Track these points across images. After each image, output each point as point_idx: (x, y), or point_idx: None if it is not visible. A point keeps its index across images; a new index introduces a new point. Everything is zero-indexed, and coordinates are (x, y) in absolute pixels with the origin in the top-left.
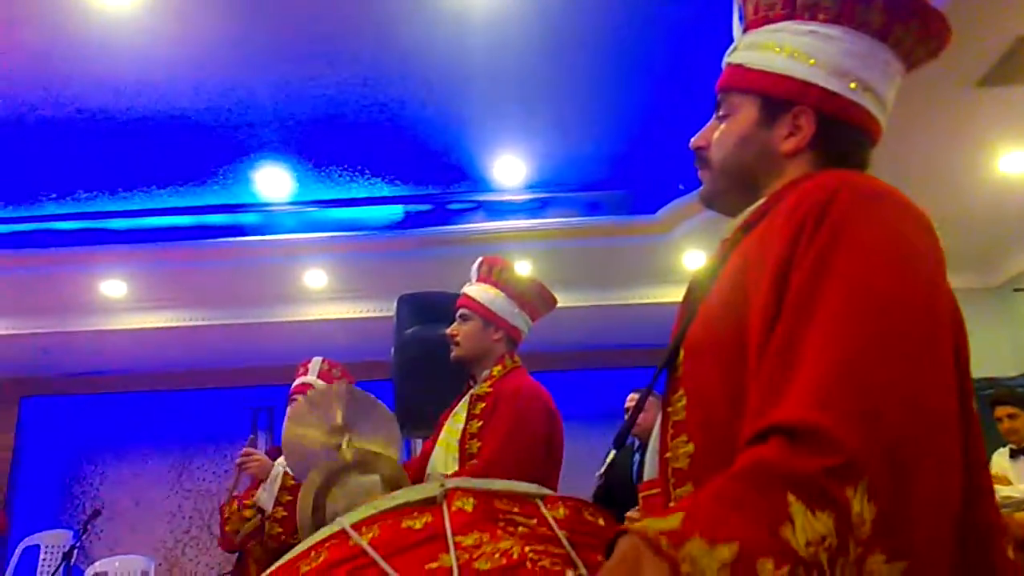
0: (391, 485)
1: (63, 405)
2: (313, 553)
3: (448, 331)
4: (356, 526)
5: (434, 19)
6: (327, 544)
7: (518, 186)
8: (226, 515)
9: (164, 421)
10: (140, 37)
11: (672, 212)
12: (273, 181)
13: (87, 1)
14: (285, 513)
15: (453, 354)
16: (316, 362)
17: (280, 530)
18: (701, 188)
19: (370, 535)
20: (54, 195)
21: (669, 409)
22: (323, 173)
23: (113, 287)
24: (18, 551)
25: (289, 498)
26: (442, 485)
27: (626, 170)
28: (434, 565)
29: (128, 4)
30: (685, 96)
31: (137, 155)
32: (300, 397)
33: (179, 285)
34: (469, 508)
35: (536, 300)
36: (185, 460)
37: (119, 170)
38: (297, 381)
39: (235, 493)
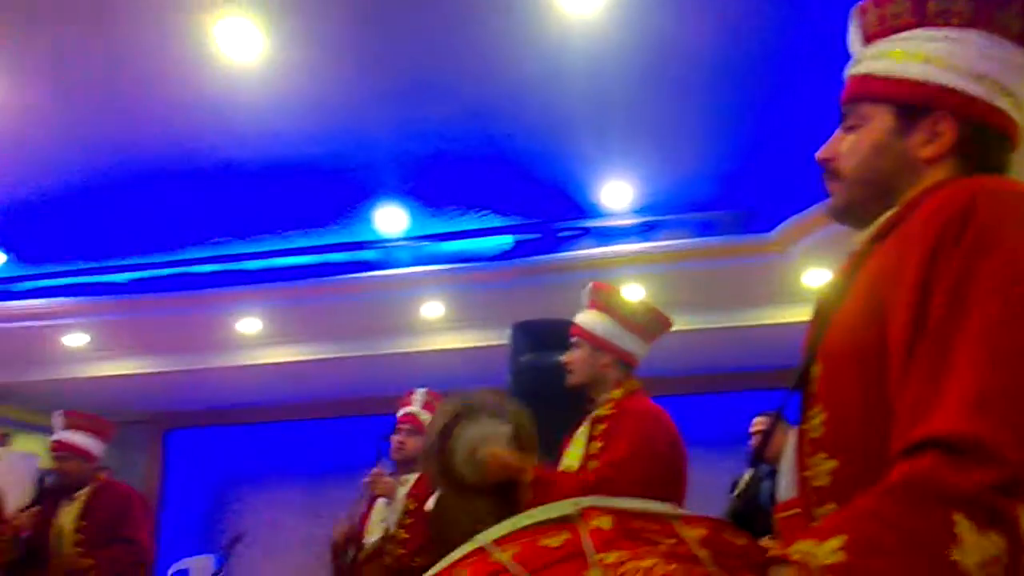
0: (519, 443)
1: (205, 437)
2: (455, 571)
3: (563, 359)
4: (496, 544)
5: (537, 53)
6: (468, 561)
7: (626, 210)
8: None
9: (298, 450)
10: (264, 90)
11: (789, 229)
12: (390, 218)
13: (215, 58)
14: (407, 536)
15: (569, 381)
16: (420, 393)
17: (402, 551)
18: (830, 201)
19: (510, 552)
20: (193, 241)
21: (805, 427)
22: (436, 207)
23: (248, 324)
24: (169, 575)
25: (411, 521)
26: (577, 503)
27: (737, 189)
28: None
29: (254, 60)
30: (798, 110)
31: (266, 200)
32: (404, 427)
33: (308, 320)
34: (607, 526)
35: (647, 322)
36: (318, 487)
37: (250, 215)
38: (402, 411)
39: (355, 514)
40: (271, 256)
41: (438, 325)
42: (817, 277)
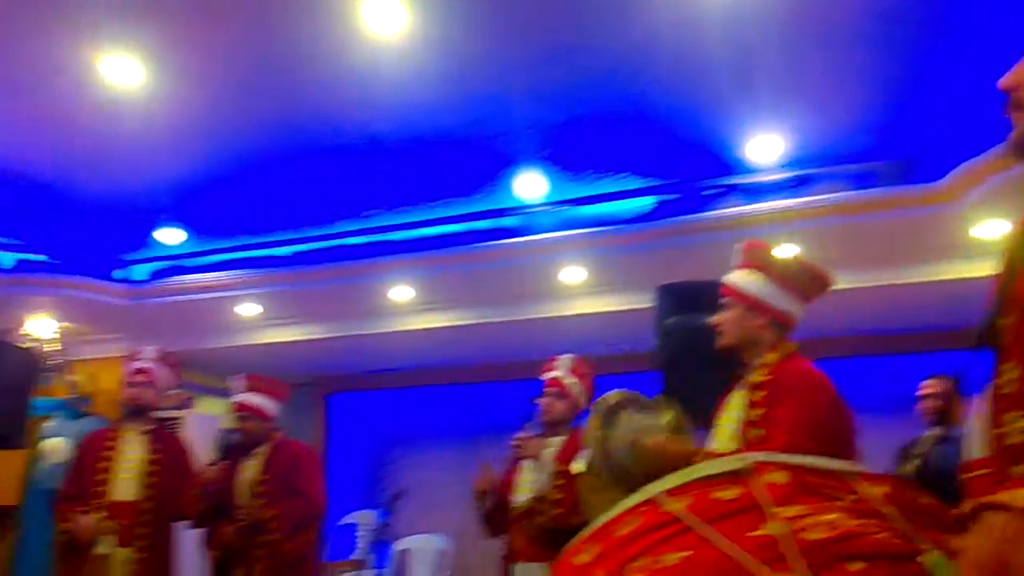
0: (677, 434)
1: (363, 400)
2: (627, 518)
3: (713, 320)
4: (666, 495)
5: (672, 3)
6: (639, 511)
7: (775, 164)
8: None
9: (450, 412)
10: (407, 64)
11: (959, 177)
12: (529, 184)
13: (362, 34)
14: (559, 495)
15: (719, 343)
16: (565, 358)
17: (556, 511)
18: (1013, 134)
19: (683, 503)
20: (346, 214)
21: (998, 382)
22: (575, 172)
23: (400, 292)
24: (337, 528)
25: (561, 481)
26: (747, 458)
27: (898, 137)
28: (757, 533)
29: (397, 34)
30: (966, 48)
31: (411, 173)
32: (551, 391)
33: (454, 287)
34: (783, 481)
35: (804, 281)
36: (470, 448)
37: (396, 188)
38: (548, 375)
39: (500, 474)
40: (418, 226)
41: (579, 290)
42: (989, 229)
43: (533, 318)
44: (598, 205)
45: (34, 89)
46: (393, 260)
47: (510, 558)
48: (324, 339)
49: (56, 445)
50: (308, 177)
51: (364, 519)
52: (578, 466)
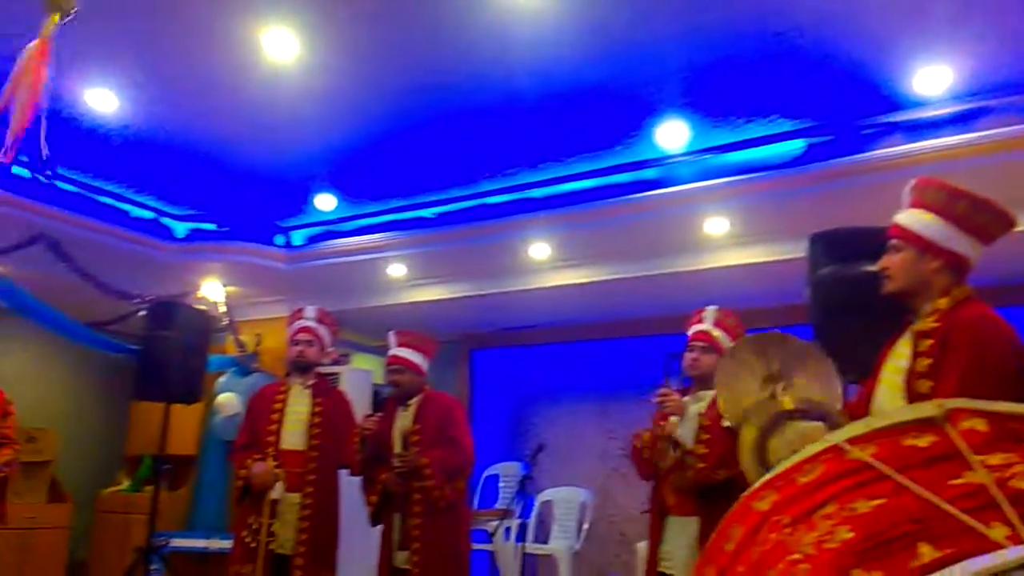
0: (835, 429)
1: (506, 356)
2: (807, 467)
3: (879, 264)
4: (850, 443)
5: None
6: (821, 459)
7: (942, 98)
8: (637, 444)
9: (590, 368)
10: (546, 18)
11: None
12: (671, 134)
13: None
14: (706, 449)
15: (886, 288)
16: (711, 311)
17: (703, 464)
18: None
19: (869, 451)
20: (487, 173)
21: None
22: (719, 118)
23: (538, 249)
24: (482, 478)
25: (707, 436)
26: (942, 404)
27: None
28: (959, 482)
29: None
30: None
31: (549, 129)
32: (698, 344)
33: (594, 243)
34: (982, 428)
35: (984, 221)
36: (608, 403)
37: (536, 145)
38: (694, 329)
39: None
40: (556, 183)
41: (724, 241)
42: None
43: (674, 272)
44: (744, 151)
45: (202, 63)
46: (531, 217)
47: (660, 512)
48: (467, 297)
49: (228, 400)
50: (450, 139)
51: (507, 471)
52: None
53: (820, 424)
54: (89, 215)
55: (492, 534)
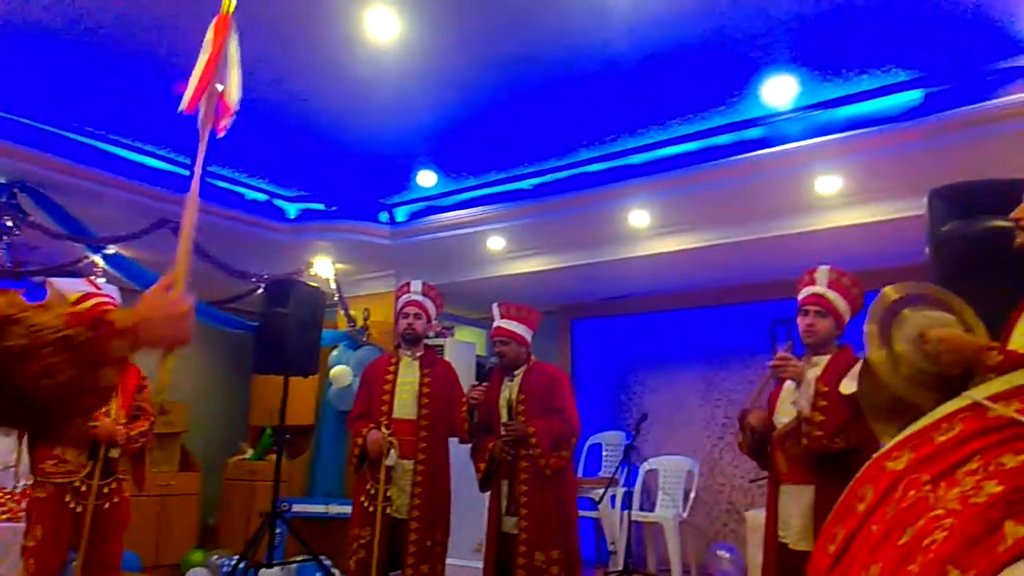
0: (966, 330)
1: (607, 325)
2: (945, 425)
3: (1014, 214)
4: (992, 399)
5: None
6: (959, 416)
7: None
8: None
9: (692, 336)
10: None
11: None
12: (777, 90)
13: None
14: (823, 417)
15: (1019, 241)
16: (824, 271)
17: (819, 433)
18: None
19: (1012, 407)
20: (585, 142)
21: None
22: (829, 71)
23: (638, 217)
24: (585, 447)
25: (824, 403)
26: None
27: None
28: None
29: None
30: None
31: (648, 93)
32: (811, 308)
33: (695, 208)
34: None
35: None
36: (712, 371)
37: (634, 110)
38: (806, 292)
39: (762, 396)
40: (656, 147)
41: (836, 200)
42: None
43: (781, 235)
44: (856, 105)
45: (308, 46)
46: (631, 184)
47: (774, 479)
48: (566, 267)
49: (341, 372)
50: (548, 109)
51: (610, 440)
52: (848, 386)
53: (952, 318)
54: (208, 199)
55: (597, 502)
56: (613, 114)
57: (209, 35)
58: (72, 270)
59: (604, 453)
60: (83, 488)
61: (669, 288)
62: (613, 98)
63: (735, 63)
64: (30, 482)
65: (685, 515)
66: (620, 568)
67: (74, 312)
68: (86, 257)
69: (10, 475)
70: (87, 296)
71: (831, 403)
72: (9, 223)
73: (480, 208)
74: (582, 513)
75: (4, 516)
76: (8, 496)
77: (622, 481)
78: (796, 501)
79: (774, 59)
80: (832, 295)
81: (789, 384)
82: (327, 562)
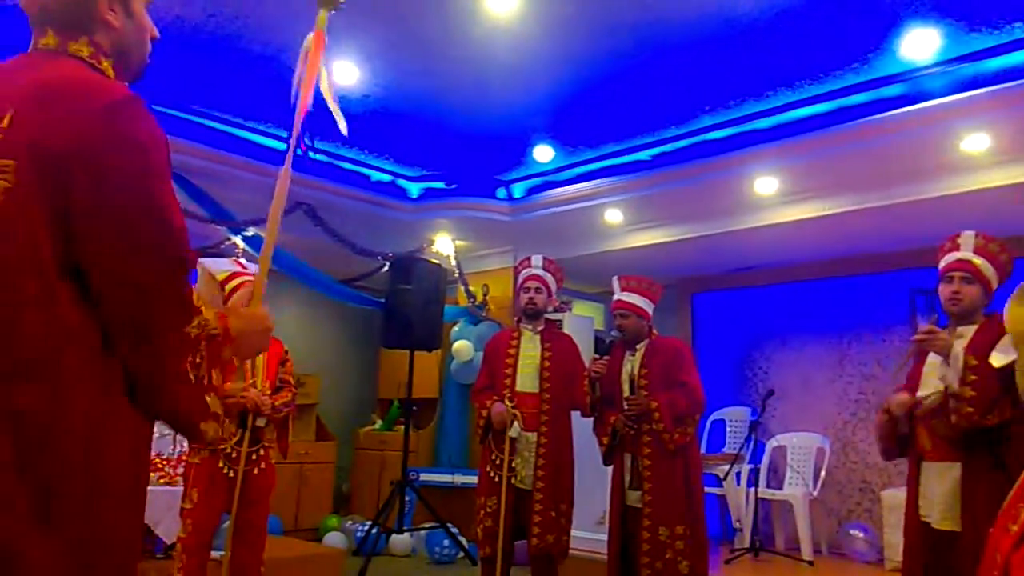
0: None
1: (730, 298)
2: None
3: None
4: None
5: None
6: None
7: None
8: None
9: (821, 308)
10: None
11: None
12: (918, 43)
13: None
14: (974, 392)
15: None
16: (968, 237)
17: (970, 409)
18: None
19: None
20: (708, 108)
21: None
22: (976, 20)
23: (765, 184)
24: (708, 423)
25: (975, 377)
26: None
27: None
28: None
29: None
30: None
31: (775, 53)
32: (957, 274)
33: (827, 173)
34: None
35: None
36: (844, 344)
37: (760, 72)
38: (950, 258)
39: (905, 371)
40: (785, 110)
41: (981, 160)
42: None
43: (922, 199)
44: (1005, 56)
45: (427, 28)
46: (756, 150)
47: (916, 456)
48: (687, 239)
49: (463, 346)
50: (667, 75)
51: (735, 416)
52: (999, 358)
53: None
54: (337, 182)
55: (722, 478)
56: (738, 77)
57: (307, 46)
58: (215, 251)
59: (728, 429)
60: (234, 454)
61: (797, 258)
62: (738, 60)
63: (870, 16)
64: (186, 448)
65: (815, 493)
66: (747, 546)
67: (221, 314)
68: (228, 239)
69: (167, 442)
70: (233, 275)
71: (982, 377)
72: None
73: (597, 181)
74: (706, 490)
75: (162, 480)
76: (165, 462)
77: (748, 458)
78: (941, 479)
79: (914, 10)
80: (979, 260)
81: (933, 358)
82: (454, 530)
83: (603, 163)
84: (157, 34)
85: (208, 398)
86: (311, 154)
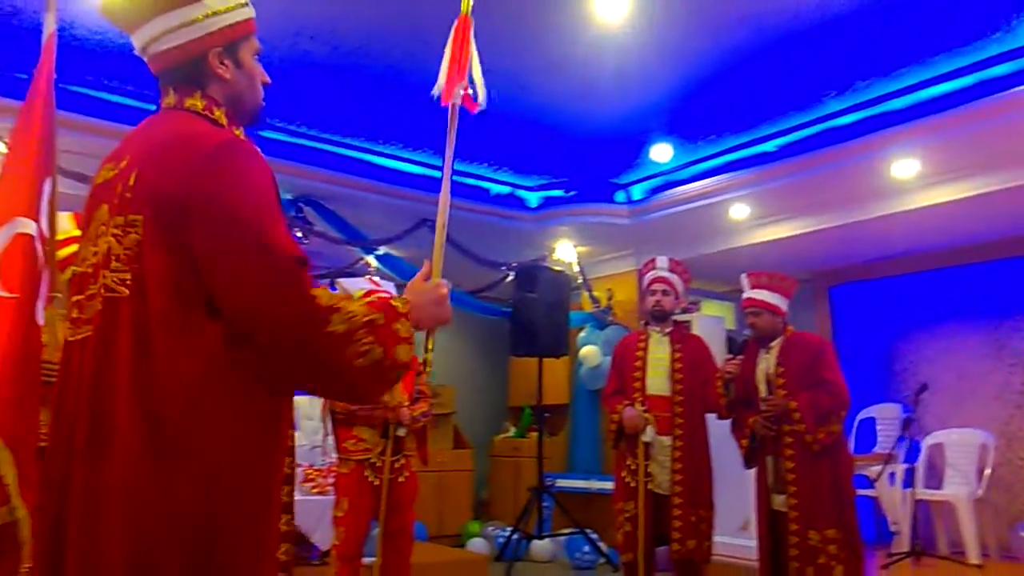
0: None
1: (871, 290)
2: None
3: None
4: None
5: None
6: None
7: None
8: None
9: (973, 295)
10: None
11: None
12: None
13: None
14: None
15: None
16: None
17: None
18: None
19: None
20: (833, 92)
21: None
22: None
23: (903, 167)
24: (856, 422)
25: None
26: None
27: None
28: None
29: None
30: None
31: (908, 27)
32: None
33: (971, 151)
34: None
35: None
36: (1004, 332)
37: (891, 49)
38: None
39: None
40: (919, 88)
41: None
42: None
43: None
44: None
45: (539, 35)
46: (891, 132)
47: None
48: (819, 231)
49: (591, 352)
50: (786, 63)
51: (885, 413)
52: None
53: None
54: (459, 197)
55: (873, 480)
56: (864, 57)
57: (452, 35)
58: (350, 271)
59: (878, 428)
60: (378, 464)
61: (942, 244)
62: (863, 39)
63: None
64: (335, 459)
65: (980, 493)
66: (906, 550)
67: (371, 300)
68: (361, 259)
69: (317, 454)
70: (369, 293)
71: None
72: (299, 234)
73: (720, 177)
74: (858, 491)
75: (315, 490)
76: (317, 472)
77: (901, 457)
78: None
79: None
80: None
81: None
82: (593, 535)
83: (726, 158)
84: (268, 80)
85: (393, 373)
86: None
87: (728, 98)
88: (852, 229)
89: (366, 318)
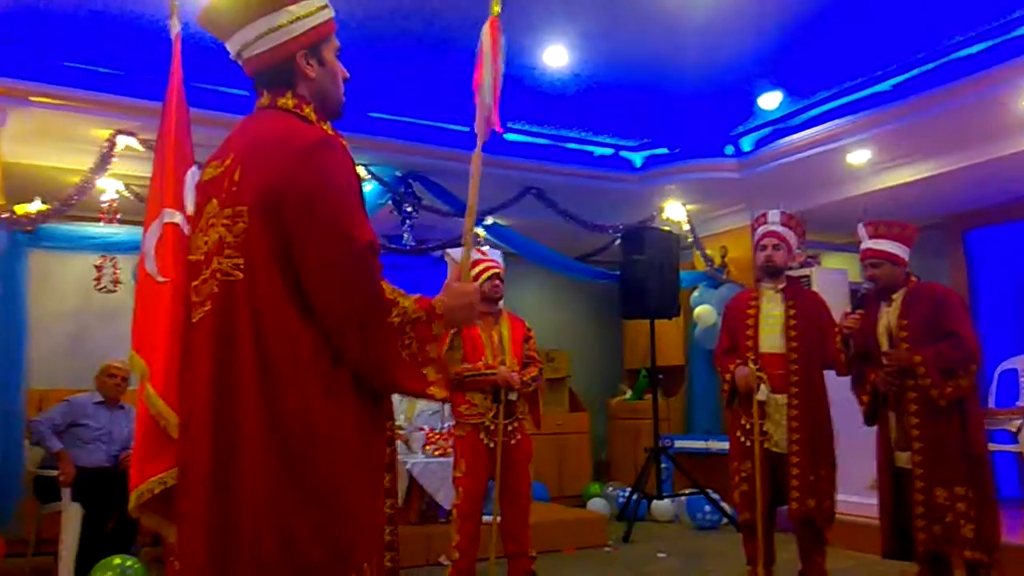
0: None
1: (1010, 232)
2: None
3: None
4: None
5: None
6: None
7: None
8: None
9: None
10: None
11: None
12: None
13: None
14: None
15: None
16: None
17: None
18: None
19: None
20: (957, 24)
21: None
22: None
23: None
24: (996, 375)
25: None
26: None
27: None
28: None
29: None
30: None
31: None
32: None
33: None
34: None
35: None
36: None
37: None
38: None
39: None
40: None
41: None
42: None
43: None
44: None
45: None
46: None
47: None
48: (948, 172)
49: (704, 311)
50: None
51: None
52: None
53: None
54: (561, 162)
55: (1015, 433)
56: None
57: (486, 39)
58: (460, 242)
59: (1021, 380)
60: (491, 427)
61: None
62: None
63: None
64: (453, 423)
65: None
66: None
67: (420, 299)
68: None
69: (436, 418)
70: (477, 263)
71: None
72: (409, 208)
73: (835, 122)
74: (999, 447)
75: (437, 452)
76: (438, 435)
77: None
78: None
79: None
80: None
81: None
82: (715, 496)
83: (839, 101)
84: (348, 75)
85: (425, 370)
86: (506, 135)
87: (836, 39)
88: (986, 167)
89: (414, 315)
